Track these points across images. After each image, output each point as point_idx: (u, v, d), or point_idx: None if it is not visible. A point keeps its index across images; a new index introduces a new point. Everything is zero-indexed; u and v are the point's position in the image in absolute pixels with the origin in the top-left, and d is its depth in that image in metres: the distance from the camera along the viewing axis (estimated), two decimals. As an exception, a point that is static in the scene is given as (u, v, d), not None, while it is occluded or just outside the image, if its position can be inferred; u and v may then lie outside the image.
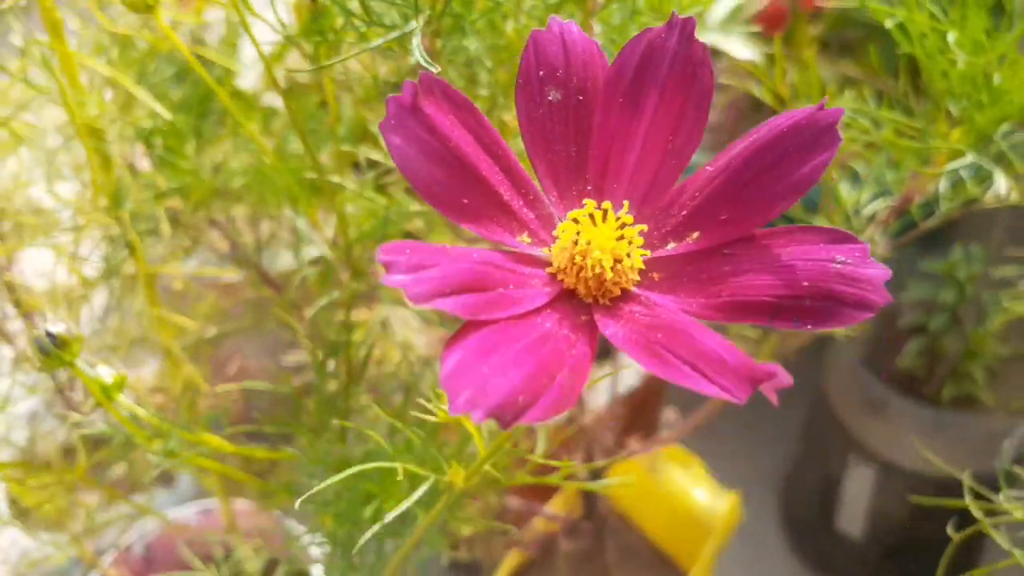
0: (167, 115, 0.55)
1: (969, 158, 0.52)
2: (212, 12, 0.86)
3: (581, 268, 0.31)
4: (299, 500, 0.42)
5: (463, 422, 0.38)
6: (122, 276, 0.69)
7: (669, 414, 0.83)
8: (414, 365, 0.71)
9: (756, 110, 1.14)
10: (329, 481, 0.38)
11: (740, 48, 0.85)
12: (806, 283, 0.29)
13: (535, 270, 0.32)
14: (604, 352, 0.94)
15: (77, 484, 0.75)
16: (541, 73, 0.33)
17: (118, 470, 0.98)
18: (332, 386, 0.61)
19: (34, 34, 0.60)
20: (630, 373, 0.94)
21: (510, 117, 0.50)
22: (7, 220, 0.71)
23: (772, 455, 1.18)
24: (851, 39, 1.08)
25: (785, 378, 0.26)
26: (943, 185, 0.59)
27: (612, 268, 0.31)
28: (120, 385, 0.44)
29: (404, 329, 0.88)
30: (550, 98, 0.33)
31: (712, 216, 0.32)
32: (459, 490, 0.39)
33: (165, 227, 0.63)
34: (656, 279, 0.32)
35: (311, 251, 0.83)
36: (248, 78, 0.82)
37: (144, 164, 0.73)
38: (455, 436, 0.51)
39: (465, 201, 0.32)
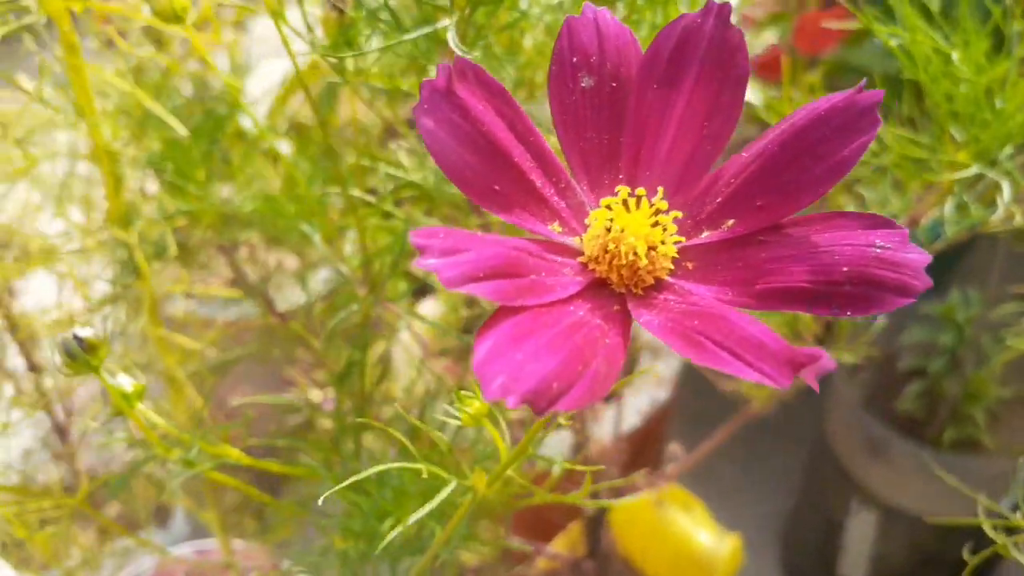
0: (183, 131, 0.55)
1: (974, 169, 0.53)
2: (215, 51, 0.88)
3: (614, 256, 0.31)
4: (319, 501, 0.41)
5: (486, 424, 0.37)
6: (128, 301, 0.69)
7: (673, 448, 0.82)
8: (423, 394, 0.70)
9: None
10: (354, 478, 0.37)
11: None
12: (845, 268, 0.28)
13: (566, 259, 0.32)
14: (608, 395, 0.94)
15: (73, 518, 0.74)
16: (575, 59, 0.33)
17: (113, 509, 0.96)
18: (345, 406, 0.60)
19: (51, 57, 0.61)
20: (632, 412, 0.94)
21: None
22: (13, 246, 0.71)
23: (773, 498, 1.17)
24: (848, 85, 1.10)
25: (828, 363, 0.26)
26: (948, 208, 0.59)
27: (646, 255, 0.31)
28: (140, 394, 0.44)
29: (406, 368, 0.87)
30: (583, 84, 0.33)
31: (747, 203, 0.32)
32: (481, 496, 0.38)
33: (173, 247, 0.63)
34: (690, 268, 0.32)
35: (320, 279, 0.83)
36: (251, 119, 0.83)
37: (154, 189, 0.73)
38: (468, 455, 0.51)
39: (496, 188, 0.31)
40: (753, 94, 0.85)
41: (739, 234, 0.32)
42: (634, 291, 0.31)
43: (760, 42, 0.96)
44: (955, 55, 0.51)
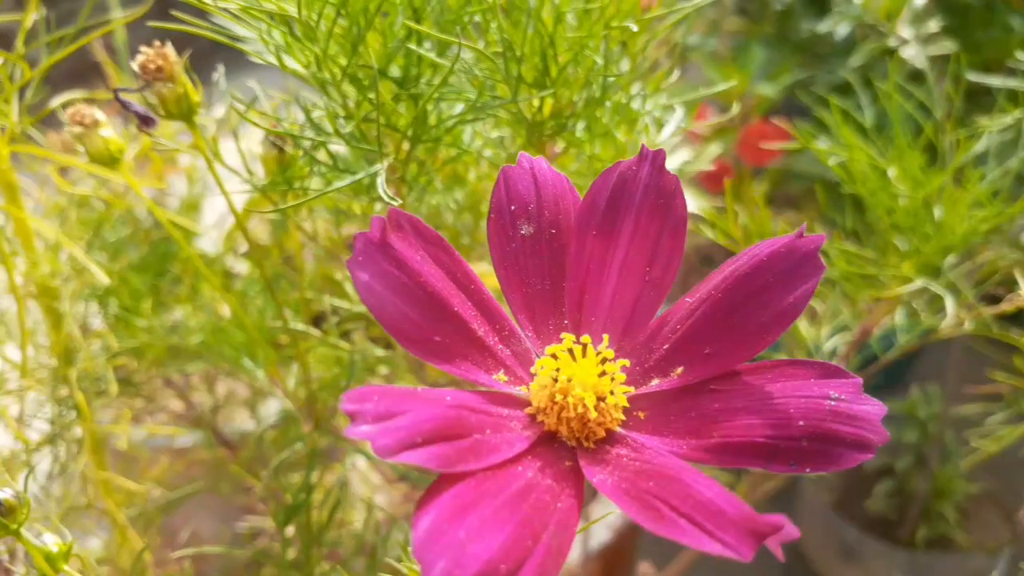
0: (105, 279, 0.54)
1: (919, 283, 0.53)
2: (173, 175, 0.88)
3: (563, 408, 0.30)
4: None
5: None
6: (68, 440, 0.66)
7: (645, 568, 0.80)
8: (378, 526, 0.68)
9: (707, 263, 1.17)
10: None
11: (689, 201, 0.88)
12: (801, 422, 0.27)
13: (513, 411, 0.30)
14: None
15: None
16: (513, 208, 0.33)
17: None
18: (291, 551, 0.57)
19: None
20: (601, 528, 0.91)
21: (476, 260, 0.50)
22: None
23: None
24: (794, 194, 1.12)
25: (792, 530, 0.25)
26: (899, 317, 0.60)
27: (596, 407, 0.29)
28: (66, 554, 0.41)
29: (364, 487, 0.85)
30: (523, 232, 0.32)
31: (696, 350, 0.31)
32: None
33: (113, 387, 0.61)
34: (642, 418, 0.31)
35: (270, 410, 0.81)
36: (210, 240, 0.82)
37: (98, 323, 0.71)
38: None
39: (437, 339, 0.30)
40: (696, 204, 0.86)
41: (690, 382, 0.31)
42: (585, 444, 0.30)
43: (706, 156, 0.98)
44: (891, 171, 0.52)
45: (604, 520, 0.92)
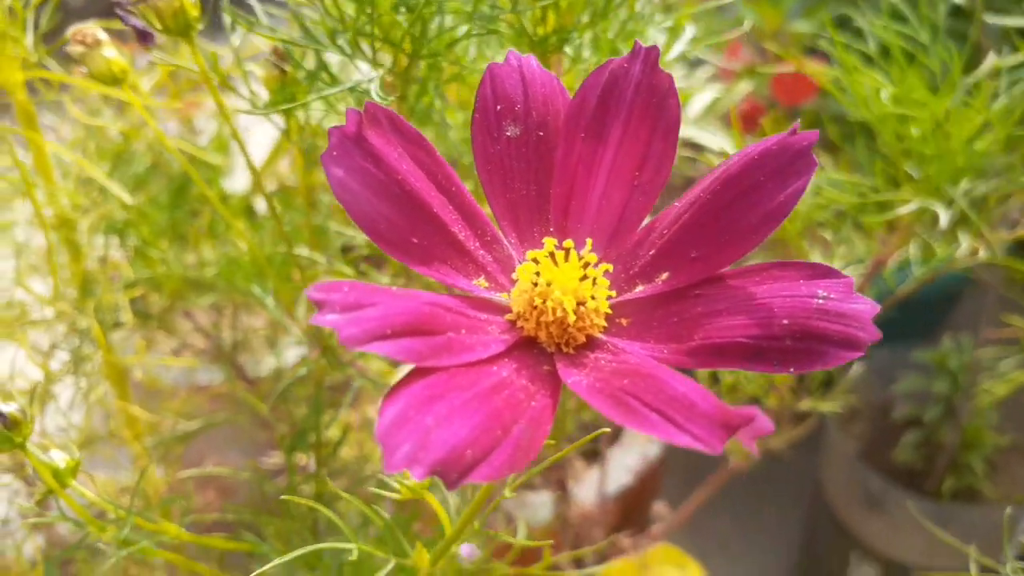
0: (128, 199, 0.54)
1: (917, 203, 0.51)
2: (202, 120, 0.88)
3: (542, 312, 0.29)
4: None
5: (427, 497, 0.35)
6: (89, 372, 0.67)
7: (659, 507, 0.80)
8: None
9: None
10: (283, 558, 0.35)
11: (716, 139, 0.86)
12: (785, 321, 0.26)
13: (492, 316, 0.29)
14: (593, 452, 0.92)
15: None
16: (499, 107, 0.31)
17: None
18: (303, 478, 0.58)
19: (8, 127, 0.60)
20: (622, 471, 0.91)
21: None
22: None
23: (771, 553, 1.14)
24: (829, 135, 1.09)
25: (765, 423, 0.24)
26: (912, 248, 0.58)
27: (575, 311, 0.28)
28: (74, 470, 0.42)
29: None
30: (508, 133, 0.31)
31: (682, 254, 0.30)
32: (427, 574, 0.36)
33: (128, 317, 0.62)
34: (624, 325, 0.30)
35: (290, 354, 0.81)
36: (237, 182, 0.82)
37: (118, 256, 0.72)
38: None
39: (414, 240, 0.29)
40: (730, 144, 0.84)
41: (674, 288, 0.29)
42: (564, 350, 0.29)
43: (737, 93, 0.96)
44: (884, 92, 0.50)
45: (623, 464, 0.92)
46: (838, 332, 0.26)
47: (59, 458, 0.41)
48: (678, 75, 0.73)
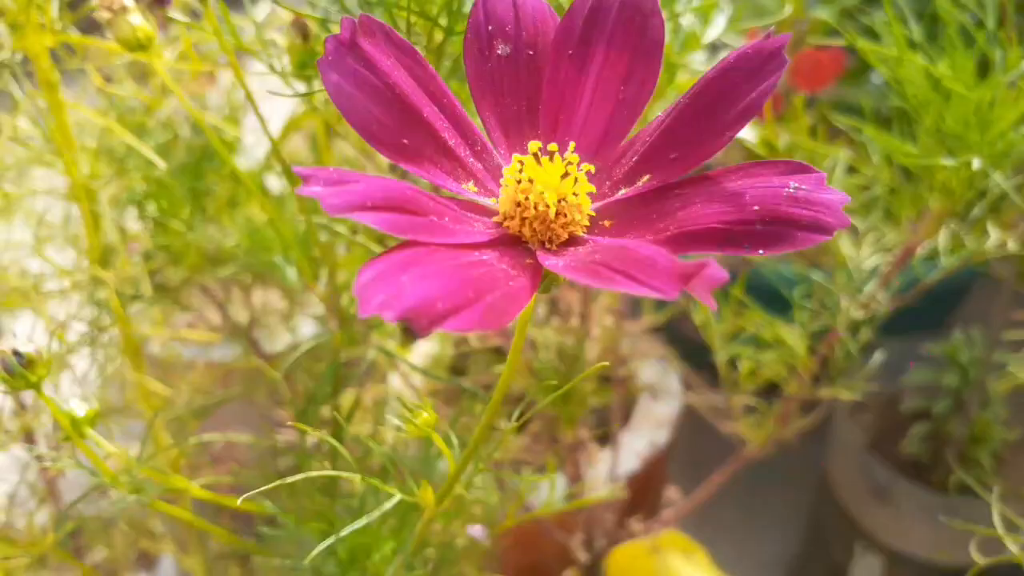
0: (162, 165, 0.54)
1: (948, 159, 0.51)
2: (215, 94, 0.87)
3: (524, 208, 0.30)
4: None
5: (433, 436, 0.36)
6: (106, 343, 0.67)
7: (671, 492, 0.80)
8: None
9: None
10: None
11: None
12: (756, 207, 0.28)
13: (480, 217, 0.31)
14: (603, 437, 0.92)
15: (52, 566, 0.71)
16: (490, 27, 0.33)
17: (98, 554, 0.94)
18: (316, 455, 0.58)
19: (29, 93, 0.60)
20: (631, 456, 0.91)
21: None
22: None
23: (776, 542, 1.14)
24: (841, 131, 1.09)
25: (716, 271, 0.25)
26: (942, 238, 0.58)
27: (556, 205, 0.30)
28: (92, 420, 0.42)
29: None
30: (499, 52, 0.33)
31: (662, 156, 0.31)
32: (431, 514, 0.36)
33: (147, 289, 0.62)
34: (607, 226, 0.31)
35: (306, 331, 0.81)
36: (251, 159, 0.82)
37: (137, 228, 0.71)
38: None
39: (406, 142, 0.31)
40: (750, 133, 0.84)
41: (655, 187, 0.31)
42: (548, 247, 0.30)
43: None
44: (942, 65, 0.50)
45: (633, 449, 0.92)
46: (807, 216, 0.27)
47: (77, 407, 0.42)
48: (699, 60, 0.73)
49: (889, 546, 0.98)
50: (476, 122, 0.33)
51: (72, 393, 0.66)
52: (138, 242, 0.66)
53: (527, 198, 0.30)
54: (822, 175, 0.28)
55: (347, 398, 0.68)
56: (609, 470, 0.86)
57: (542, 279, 0.28)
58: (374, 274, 0.24)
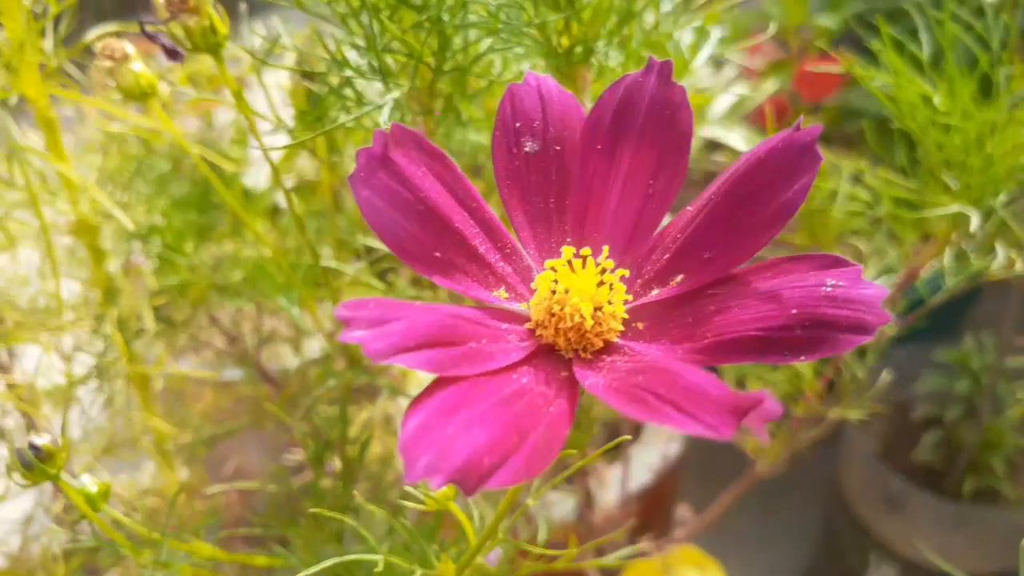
0: (129, 225, 0.54)
1: (955, 207, 0.51)
2: (221, 113, 0.87)
3: (560, 318, 0.29)
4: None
5: (452, 508, 0.35)
6: (112, 376, 0.67)
7: (683, 511, 0.80)
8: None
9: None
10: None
11: (740, 141, 0.85)
12: (794, 311, 0.27)
13: (513, 326, 0.30)
14: (614, 451, 0.92)
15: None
16: (518, 124, 0.32)
17: (109, 576, 0.94)
18: (328, 482, 0.58)
19: (28, 132, 0.60)
20: (642, 470, 0.91)
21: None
22: (6, 318, 0.70)
23: (791, 552, 1.14)
24: (852, 132, 1.08)
25: (774, 406, 0.24)
26: (947, 259, 0.57)
27: (592, 316, 0.29)
28: (105, 495, 0.42)
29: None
30: (527, 149, 0.32)
31: (695, 256, 0.30)
32: None
33: (151, 325, 0.62)
34: (640, 328, 0.30)
35: (313, 348, 0.81)
36: (257, 178, 0.82)
37: (145, 262, 0.72)
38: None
39: (437, 254, 0.30)
40: (750, 142, 0.83)
41: (689, 289, 0.30)
42: (582, 355, 0.30)
43: (762, 92, 0.95)
44: (937, 99, 0.49)
45: (644, 462, 0.92)
46: (847, 317, 0.26)
47: (89, 482, 0.42)
48: (704, 74, 0.72)
49: (903, 555, 0.97)
50: (504, 221, 0.32)
51: (80, 426, 0.67)
52: (142, 277, 0.66)
53: (563, 308, 0.29)
54: (859, 268, 0.27)
55: (358, 423, 0.69)
56: (621, 484, 0.86)
57: (580, 395, 0.28)
58: (417, 425, 0.24)
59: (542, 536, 0.48)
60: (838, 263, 0.28)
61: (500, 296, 0.31)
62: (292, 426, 0.82)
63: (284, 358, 0.83)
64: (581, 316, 0.29)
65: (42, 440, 0.39)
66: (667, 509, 0.96)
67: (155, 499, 0.79)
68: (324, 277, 0.55)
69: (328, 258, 0.58)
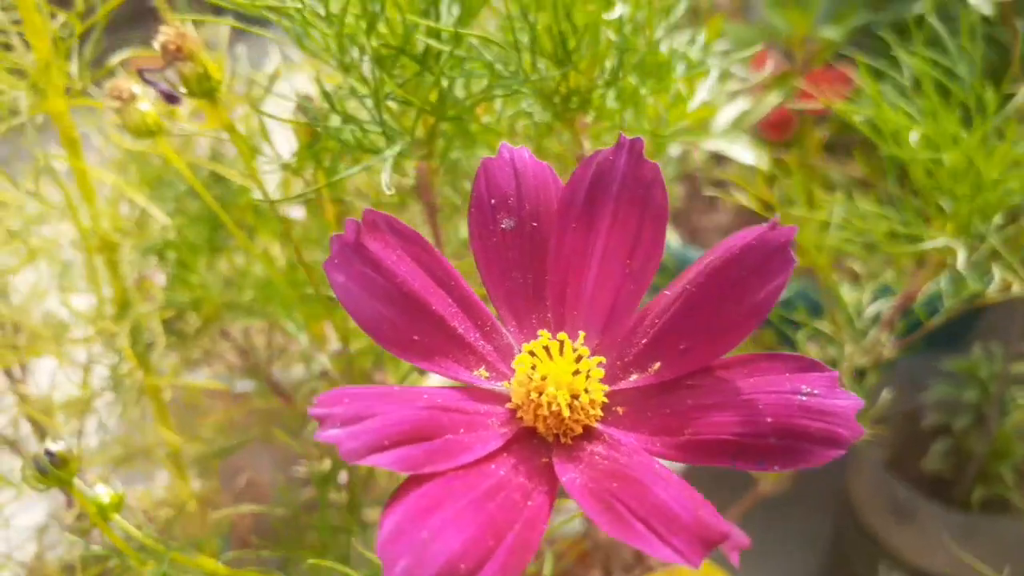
0: (165, 220, 0.56)
1: (941, 241, 0.51)
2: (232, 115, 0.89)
3: (538, 405, 0.30)
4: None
5: None
6: (129, 387, 0.69)
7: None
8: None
9: (753, 218, 1.15)
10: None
11: (744, 154, 0.86)
12: (769, 419, 0.27)
13: (493, 407, 0.31)
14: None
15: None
16: (493, 201, 0.32)
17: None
18: (338, 498, 0.59)
19: (51, 149, 0.62)
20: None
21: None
22: (22, 331, 0.72)
23: (798, 562, 1.14)
24: (858, 141, 1.09)
25: (741, 538, 0.24)
26: (944, 282, 0.58)
27: (569, 405, 0.30)
28: (118, 505, 0.43)
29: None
30: (503, 226, 0.32)
31: (672, 345, 0.31)
32: None
33: (161, 340, 0.63)
34: (620, 413, 0.31)
35: (322, 361, 0.83)
36: (269, 183, 0.83)
37: (161, 278, 0.73)
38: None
39: (415, 338, 0.31)
40: (758, 158, 0.84)
41: (667, 379, 0.30)
42: (563, 440, 0.30)
43: (766, 104, 0.96)
44: (913, 134, 0.50)
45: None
46: (820, 430, 0.27)
47: (103, 492, 0.43)
48: (705, 87, 0.73)
49: (912, 564, 0.97)
50: (483, 298, 0.33)
51: (94, 436, 0.69)
52: (155, 292, 0.68)
53: (540, 395, 0.30)
54: (834, 375, 0.28)
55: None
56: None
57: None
58: (393, 527, 0.25)
59: (547, 571, 0.49)
60: (813, 367, 0.28)
61: (481, 375, 0.31)
62: (302, 438, 0.83)
63: (295, 371, 0.84)
64: (558, 405, 0.30)
65: (57, 446, 0.41)
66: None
67: (169, 510, 0.80)
68: (325, 297, 0.57)
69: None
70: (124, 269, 0.64)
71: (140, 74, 0.45)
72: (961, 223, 0.52)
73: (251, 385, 0.84)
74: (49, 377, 0.76)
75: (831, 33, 1.02)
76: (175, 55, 0.42)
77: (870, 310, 0.60)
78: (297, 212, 0.83)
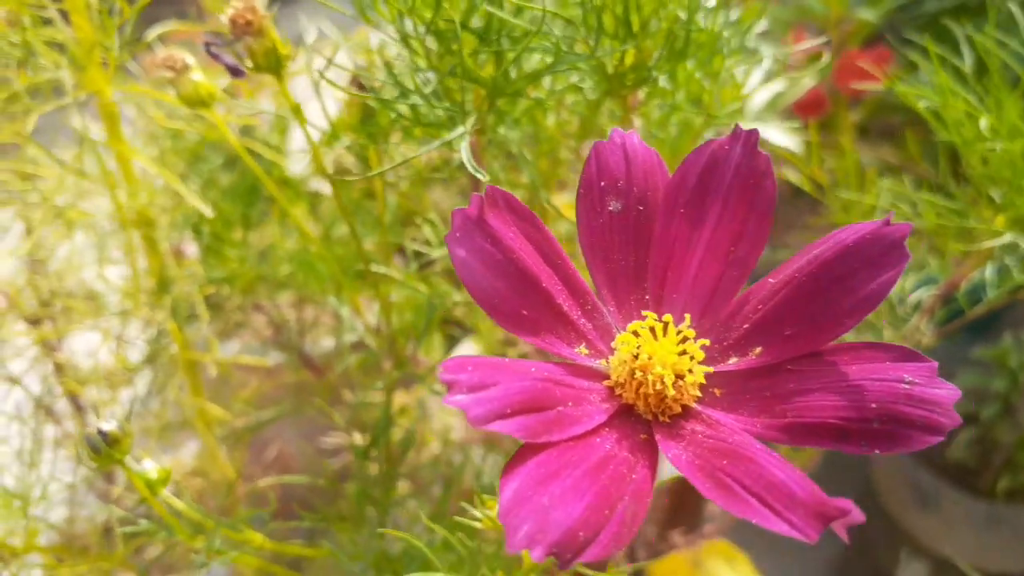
0: (208, 212, 0.56)
1: (1008, 237, 0.51)
2: (263, 100, 0.89)
3: (641, 383, 0.30)
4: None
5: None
6: (164, 361, 0.70)
7: (712, 506, 0.80)
8: (453, 452, 0.70)
9: (797, 195, 1.14)
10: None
11: (779, 136, 0.85)
12: (874, 404, 0.28)
13: (593, 383, 0.31)
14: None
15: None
16: (602, 183, 0.33)
17: (153, 551, 0.97)
18: (371, 472, 0.60)
19: (91, 126, 0.62)
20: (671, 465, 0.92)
21: (550, 205, 0.50)
22: (58, 303, 0.73)
23: (820, 548, 1.14)
24: (891, 125, 1.08)
25: (858, 514, 0.25)
26: (989, 272, 0.57)
27: (673, 384, 0.30)
28: (165, 480, 0.44)
29: (442, 413, 0.87)
30: (611, 208, 0.33)
31: (776, 331, 0.31)
32: None
33: (203, 313, 0.64)
34: (717, 395, 0.31)
35: (352, 336, 0.83)
36: (297, 165, 0.84)
37: (193, 250, 0.74)
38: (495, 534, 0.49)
39: (525, 312, 0.31)
40: (787, 140, 0.83)
41: (768, 362, 0.31)
42: (661, 419, 0.31)
43: (801, 85, 0.95)
44: (983, 122, 0.49)
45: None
46: (922, 417, 0.27)
47: (150, 468, 0.44)
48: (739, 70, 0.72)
49: (934, 552, 0.97)
50: (585, 276, 0.33)
51: (132, 409, 0.70)
52: (191, 266, 0.68)
53: (645, 374, 0.30)
54: (933, 365, 0.28)
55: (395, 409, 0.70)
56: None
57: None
58: (513, 494, 0.25)
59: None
60: (914, 357, 0.29)
61: (581, 352, 0.32)
62: (332, 416, 0.84)
63: (325, 344, 0.85)
64: (663, 384, 0.30)
65: (109, 426, 0.41)
66: (697, 504, 0.97)
67: (200, 480, 0.81)
68: (368, 273, 0.57)
69: (372, 255, 0.60)
70: (162, 244, 0.65)
71: (206, 47, 0.44)
72: (1017, 214, 0.52)
73: (282, 358, 0.85)
74: (85, 346, 0.77)
75: (867, 14, 1.01)
76: (244, 29, 0.42)
77: (913, 297, 0.60)
78: (325, 187, 0.83)
